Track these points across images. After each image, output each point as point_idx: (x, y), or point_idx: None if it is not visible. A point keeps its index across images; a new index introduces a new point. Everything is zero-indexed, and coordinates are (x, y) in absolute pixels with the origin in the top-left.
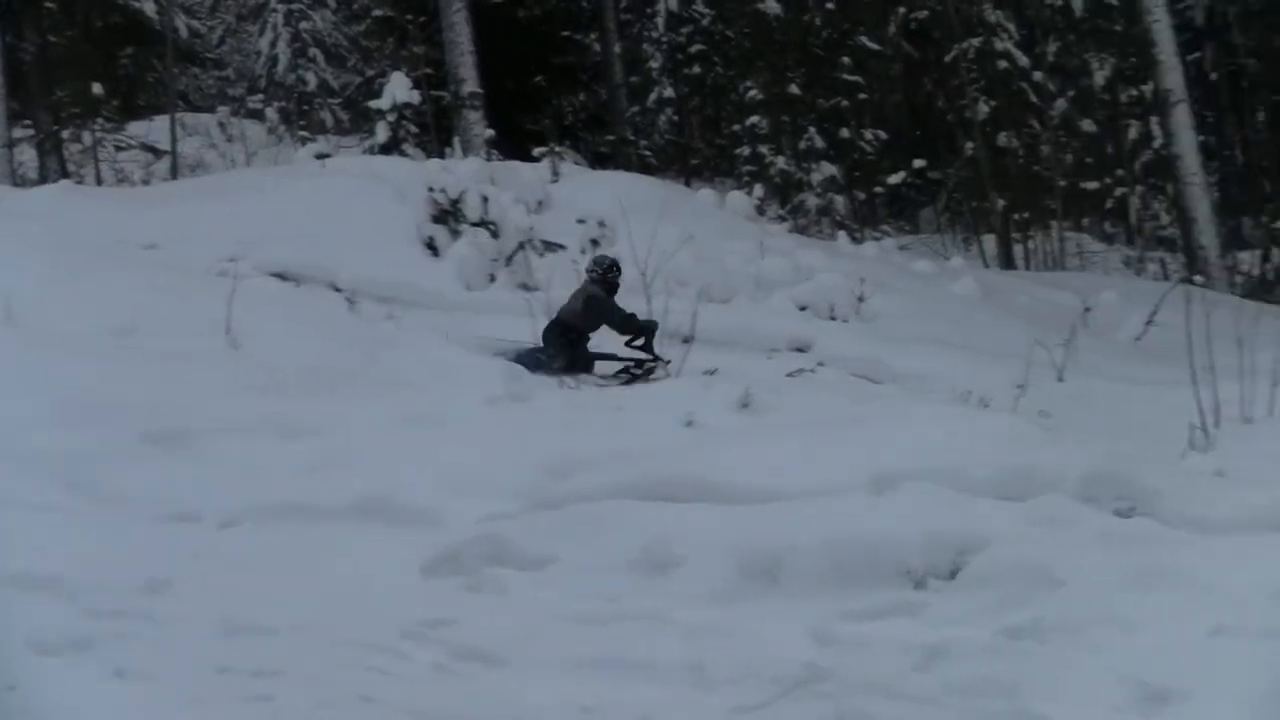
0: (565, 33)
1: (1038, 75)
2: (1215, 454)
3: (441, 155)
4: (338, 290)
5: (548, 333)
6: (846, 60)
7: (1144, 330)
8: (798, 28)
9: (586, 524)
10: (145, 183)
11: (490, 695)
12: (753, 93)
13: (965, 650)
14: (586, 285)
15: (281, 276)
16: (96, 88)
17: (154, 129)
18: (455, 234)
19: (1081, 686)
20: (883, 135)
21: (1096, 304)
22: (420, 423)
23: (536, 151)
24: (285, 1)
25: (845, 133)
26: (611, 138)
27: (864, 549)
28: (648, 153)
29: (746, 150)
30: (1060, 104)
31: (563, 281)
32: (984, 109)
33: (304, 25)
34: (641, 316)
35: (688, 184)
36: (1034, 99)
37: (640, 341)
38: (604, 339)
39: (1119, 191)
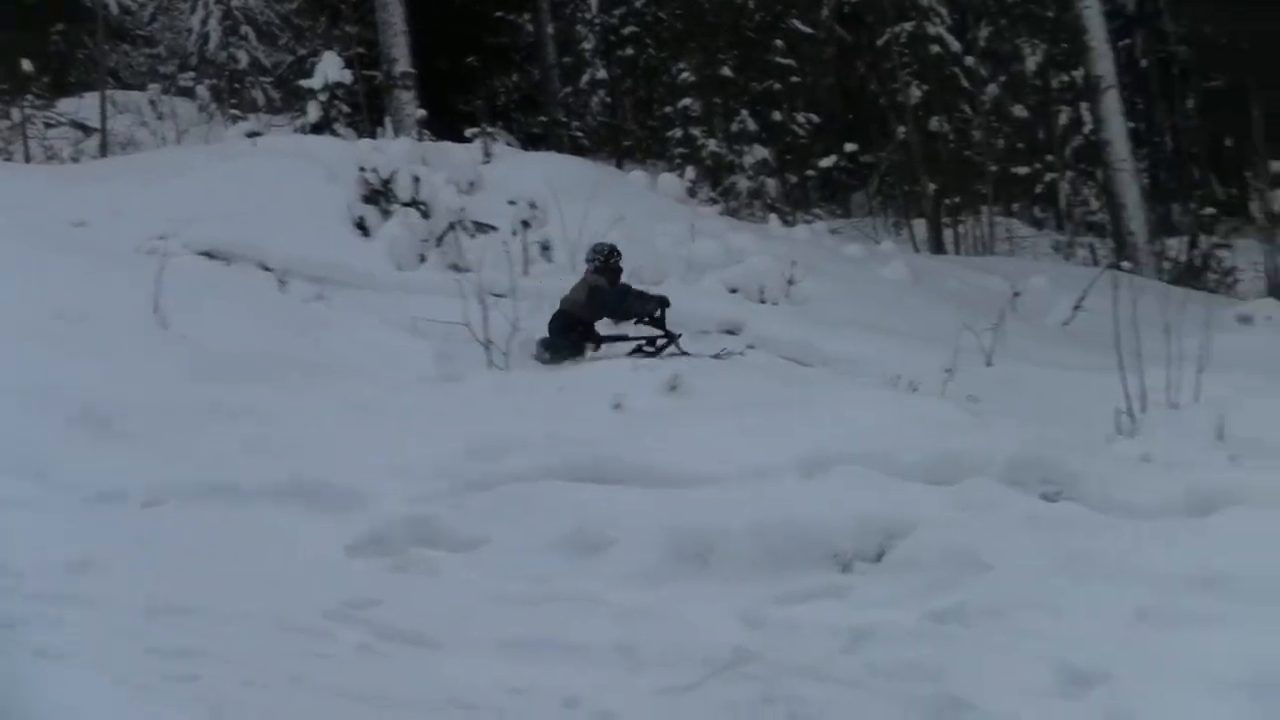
0: (498, 13)
1: (969, 60)
2: (1141, 439)
3: (373, 135)
4: (268, 270)
5: (553, 324)
6: (779, 43)
7: (1072, 315)
8: (730, 10)
9: (517, 505)
10: (74, 160)
11: (418, 676)
12: (685, 75)
13: (891, 633)
14: (589, 276)
15: (211, 255)
16: (26, 64)
17: (84, 106)
18: (386, 214)
19: (1006, 670)
20: (815, 119)
21: (1025, 289)
22: (350, 403)
23: (469, 132)
24: None
25: (777, 116)
26: (544, 119)
27: (793, 532)
28: (580, 134)
29: (678, 132)
30: (991, 89)
31: (494, 263)
32: (916, 93)
33: (235, 3)
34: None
35: (619, 166)
36: (965, 84)
37: (651, 320)
38: None
39: (1049, 177)
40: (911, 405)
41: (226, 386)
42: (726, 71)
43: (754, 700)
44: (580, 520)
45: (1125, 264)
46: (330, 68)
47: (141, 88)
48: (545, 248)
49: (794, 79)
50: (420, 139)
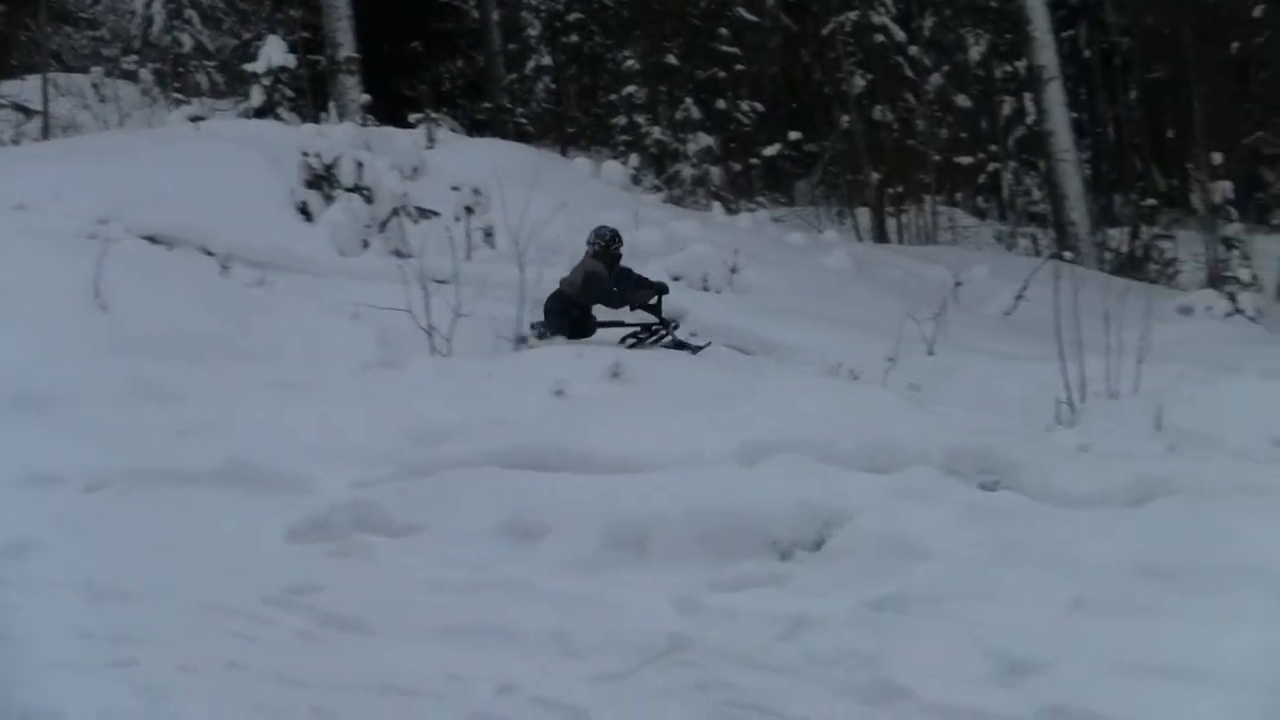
0: None
1: (914, 50)
2: (1080, 429)
3: (317, 120)
4: (210, 254)
5: (548, 304)
6: (724, 31)
7: (1014, 305)
8: None
9: (457, 491)
10: (15, 143)
11: (355, 661)
12: (630, 62)
13: (829, 621)
14: (587, 260)
15: (153, 240)
16: None
17: (26, 89)
18: (329, 199)
19: (943, 658)
20: (759, 107)
21: (968, 278)
22: (291, 388)
23: (412, 118)
24: None
25: (722, 104)
26: (488, 105)
27: (732, 520)
28: (524, 121)
29: (623, 120)
30: (935, 79)
31: (437, 248)
32: (860, 82)
33: None
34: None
35: (564, 153)
36: (910, 73)
37: (654, 301)
38: None
39: (992, 167)
40: (852, 394)
41: (167, 371)
42: (671, 59)
43: (689, 687)
44: (519, 507)
45: (1067, 254)
46: (274, 52)
47: (84, 71)
48: (488, 234)
49: (739, 67)
50: (364, 124)
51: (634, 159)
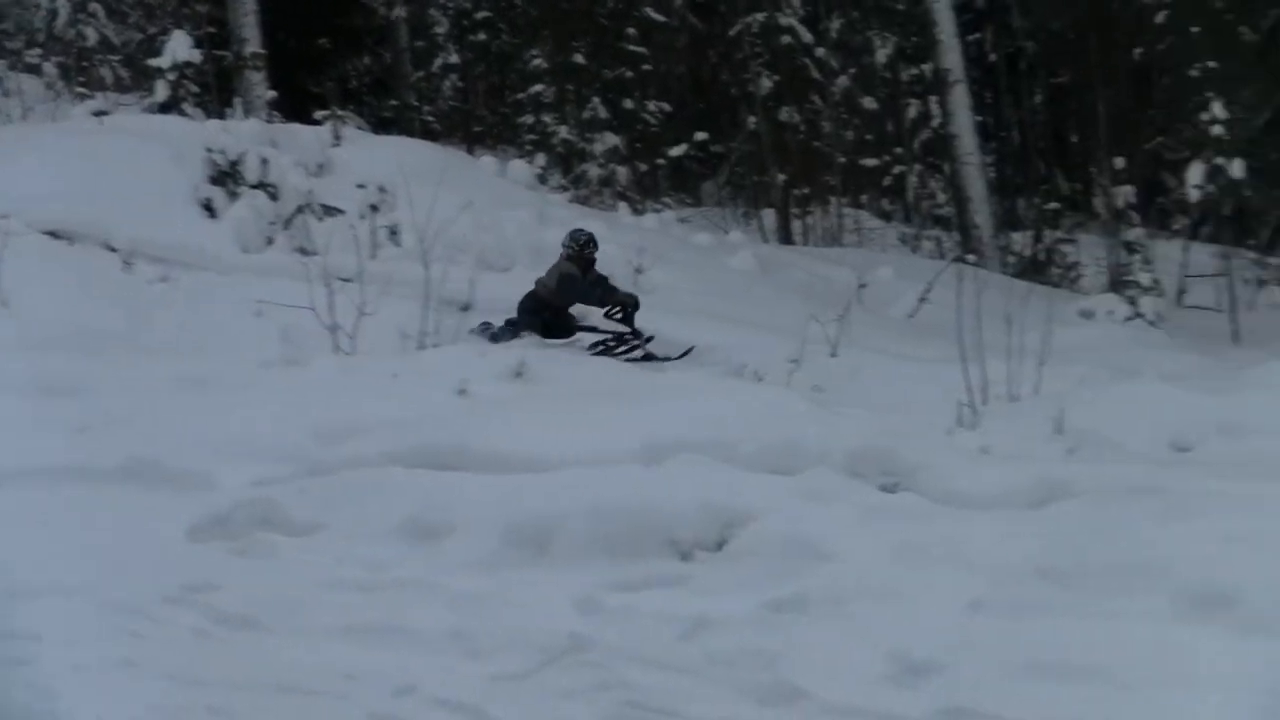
0: None
1: (820, 51)
2: (981, 431)
3: (222, 116)
4: (113, 250)
5: (523, 304)
6: (632, 31)
7: (917, 307)
8: None
9: (357, 490)
10: None
11: (253, 660)
12: (538, 61)
13: (729, 622)
14: (562, 261)
15: (55, 235)
16: None
17: None
18: (233, 196)
19: (842, 659)
20: (666, 107)
21: (872, 280)
22: (193, 385)
23: (318, 115)
24: None
25: (629, 104)
26: (395, 103)
27: (633, 520)
28: (431, 119)
29: (530, 119)
30: (842, 81)
31: (341, 246)
32: (767, 84)
33: None
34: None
35: (470, 151)
36: (816, 75)
37: (620, 314)
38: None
39: (897, 169)
40: (756, 395)
41: (69, 367)
42: (579, 59)
43: (590, 687)
44: (421, 506)
45: (970, 257)
46: (179, 47)
47: None
48: (393, 232)
49: (646, 67)
50: (269, 120)
51: (540, 158)
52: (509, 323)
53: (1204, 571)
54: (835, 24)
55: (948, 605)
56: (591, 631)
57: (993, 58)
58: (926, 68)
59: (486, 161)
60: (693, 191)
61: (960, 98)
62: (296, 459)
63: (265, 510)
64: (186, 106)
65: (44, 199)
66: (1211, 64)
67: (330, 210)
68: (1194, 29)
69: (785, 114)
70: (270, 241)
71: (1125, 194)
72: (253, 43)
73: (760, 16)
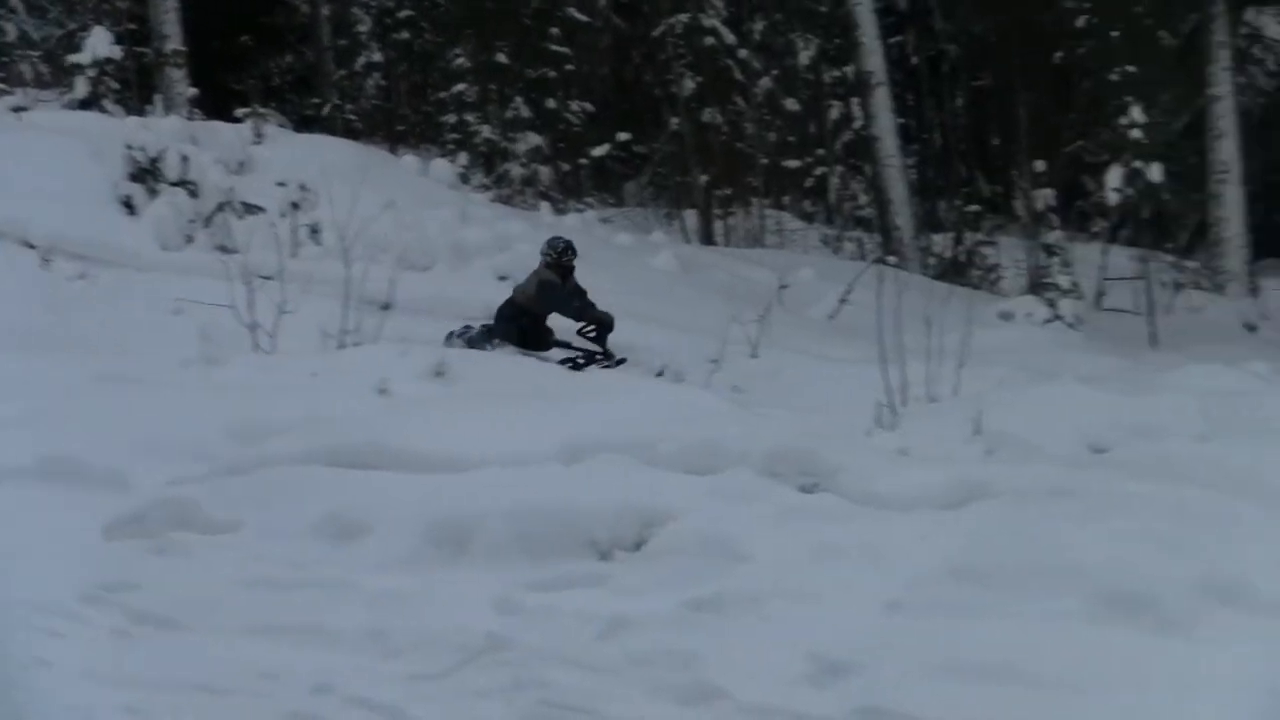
0: None
1: (743, 53)
2: (900, 432)
3: (142, 113)
4: (31, 247)
5: (501, 311)
6: (555, 31)
7: (838, 308)
8: None
9: (275, 489)
10: None
11: (169, 659)
12: (460, 60)
13: (647, 622)
14: (540, 269)
15: None
16: None
17: None
18: (153, 193)
19: (760, 659)
20: (589, 107)
21: (793, 281)
22: (110, 383)
23: (240, 112)
24: None
25: (552, 103)
26: (317, 101)
27: (552, 519)
28: (353, 117)
29: (453, 118)
30: (765, 82)
31: (262, 244)
32: (690, 85)
33: None
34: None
35: (393, 150)
36: (739, 76)
37: (593, 333)
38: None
39: (819, 171)
40: (676, 395)
41: None
42: (502, 58)
43: (507, 686)
44: (339, 505)
45: (891, 258)
46: (100, 43)
47: None
48: (314, 230)
49: (569, 67)
50: (190, 118)
51: (463, 157)
52: (486, 329)
53: (1120, 573)
54: (758, 26)
55: (865, 606)
56: (510, 631)
57: (915, 60)
58: (849, 70)
59: (409, 160)
60: (615, 191)
61: (882, 100)
62: (214, 457)
63: (182, 509)
64: (106, 103)
65: None
66: (1131, 69)
67: (251, 208)
68: (1114, 34)
69: (708, 115)
70: (190, 239)
71: (1045, 197)
72: (174, 40)
73: (683, 18)
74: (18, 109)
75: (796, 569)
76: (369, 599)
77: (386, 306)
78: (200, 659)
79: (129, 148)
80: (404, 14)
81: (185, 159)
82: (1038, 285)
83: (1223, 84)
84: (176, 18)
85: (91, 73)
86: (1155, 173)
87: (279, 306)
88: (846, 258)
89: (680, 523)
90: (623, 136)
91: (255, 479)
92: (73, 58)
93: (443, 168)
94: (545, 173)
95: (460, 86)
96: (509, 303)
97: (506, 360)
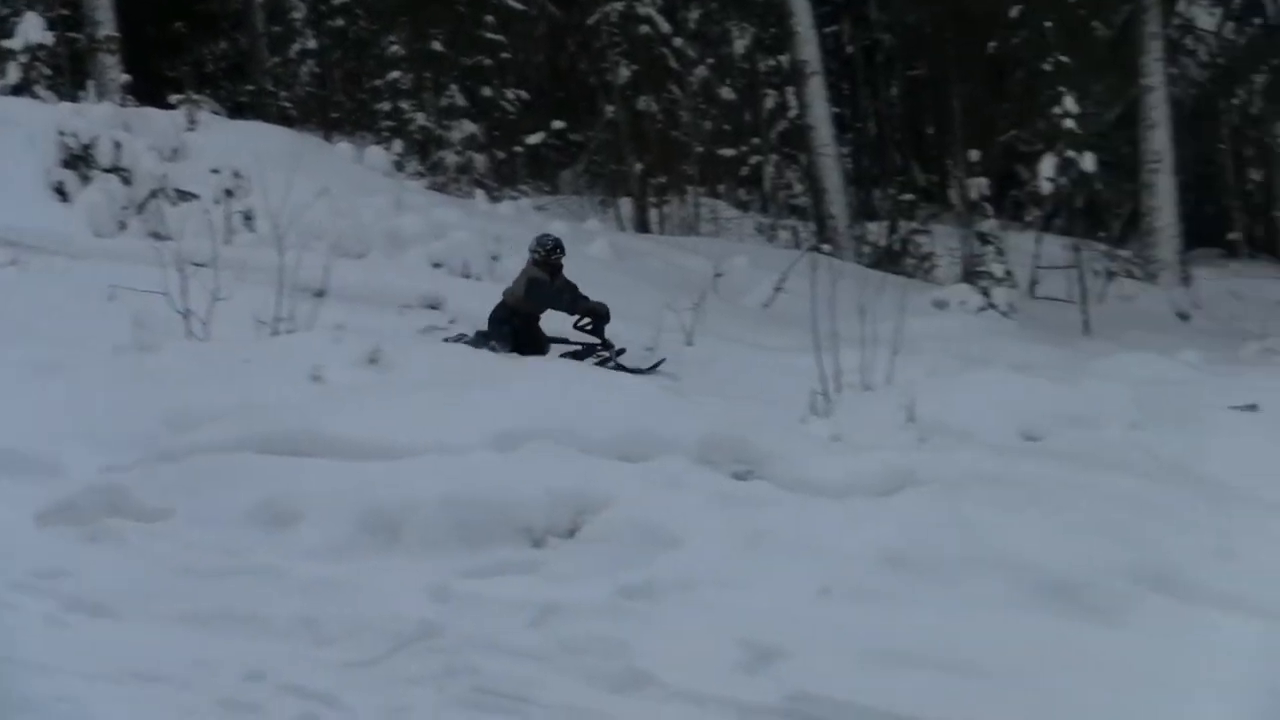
0: None
1: (679, 41)
2: (834, 420)
3: (75, 99)
4: None
5: (494, 314)
6: (490, 19)
7: (773, 297)
8: None
9: (208, 476)
10: None
11: (101, 647)
12: (395, 48)
13: (580, 608)
14: (529, 267)
15: None
16: None
17: None
18: (86, 179)
19: (691, 645)
20: (524, 95)
21: (728, 270)
22: (42, 370)
23: (173, 99)
24: None
25: (487, 91)
26: (251, 88)
27: (485, 507)
28: (288, 104)
29: (387, 105)
30: (700, 71)
31: (195, 231)
32: (625, 73)
33: None
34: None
35: (327, 137)
36: (674, 65)
37: (590, 325)
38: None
39: (754, 159)
40: (609, 383)
41: None
42: (437, 46)
43: (439, 674)
44: (272, 492)
45: (826, 247)
46: (32, 29)
47: None
48: (248, 217)
49: (504, 55)
50: (123, 104)
51: (398, 145)
52: (479, 334)
53: (1051, 561)
54: (693, 14)
55: (797, 592)
56: (443, 618)
57: (850, 50)
58: (784, 59)
59: (343, 148)
60: (550, 179)
61: (817, 89)
62: (147, 444)
63: (115, 496)
64: (39, 89)
65: None
66: (1064, 59)
67: (184, 195)
68: (1048, 24)
69: (643, 103)
70: (123, 226)
71: (979, 186)
72: (107, 26)
73: (618, 6)
74: None
75: (729, 556)
76: (302, 586)
77: (321, 294)
78: (132, 646)
79: (61, 134)
80: (339, 1)
81: (118, 145)
82: (972, 274)
83: (1155, 74)
84: (110, 3)
85: (23, 59)
86: (1088, 162)
87: (213, 293)
88: (781, 246)
89: (613, 510)
90: (558, 124)
91: (188, 466)
92: (4, 43)
93: (377, 155)
94: (480, 160)
95: (395, 74)
96: (500, 306)
97: (441, 347)
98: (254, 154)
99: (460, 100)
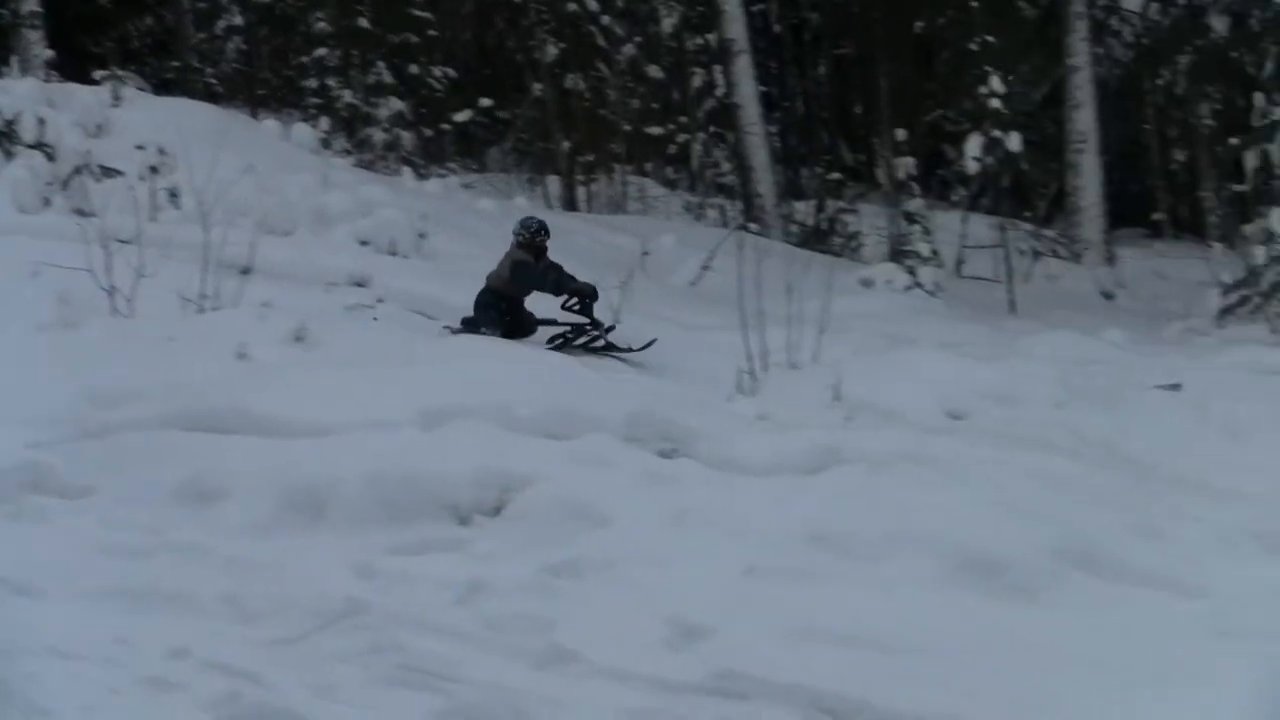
0: None
1: (606, 19)
2: (760, 398)
3: None
4: None
5: (479, 299)
6: None
7: (700, 275)
8: None
9: (132, 454)
10: None
11: (22, 625)
12: (322, 24)
13: (505, 586)
14: (513, 250)
15: None
16: None
17: None
18: (9, 156)
19: (617, 623)
20: (452, 73)
21: (655, 248)
22: None
23: (98, 75)
24: None
25: (414, 69)
26: (177, 64)
27: (411, 484)
28: (214, 81)
29: (314, 83)
30: (628, 49)
31: (120, 208)
32: (552, 51)
33: None
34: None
35: (253, 114)
36: (602, 43)
37: (577, 305)
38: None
39: (682, 138)
40: (535, 361)
41: None
42: (364, 23)
43: (364, 651)
44: (197, 470)
45: (753, 226)
46: None
47: None
48: (173, 195)
49: (432, 32)
50: (47, 80)
51: (324, 122)
52: (465, 321)
53: (974, 539)
54: None
55: (722, 570)
56: (368, 596)
57: (778, 28)
58: (712, 37)
59: (269, 125)
60: (478, 157)
61: (744, 68)
62: (70, 422)
63: (37, 473)
64: None
65: None
66: (991, 39)
67: (109, 172)
68: (974, 4)
69: (571, 81)
70: (47, 202)
71: (906, 165)
72: (30, 1)
73: None
74: None
75: (654, 534)
76: (226, 564)
77: (246, 271)
78: (56, 624)
79: None
80: None
81: (42, 121)
82: (898, 253)
83: (1081, 55)
84: None
85: None
86: (1014, 142)
87: (137, 270)
88: (709, 225)
89: (539, 488)
90: (485, 102)
91: (112, 444)
92: None
93: (304, 132)
94: (408, 138)
95: (322, 51)
96: (485, 290)
97: (366, 325)
98: (179, 131)
99: (387, 77)
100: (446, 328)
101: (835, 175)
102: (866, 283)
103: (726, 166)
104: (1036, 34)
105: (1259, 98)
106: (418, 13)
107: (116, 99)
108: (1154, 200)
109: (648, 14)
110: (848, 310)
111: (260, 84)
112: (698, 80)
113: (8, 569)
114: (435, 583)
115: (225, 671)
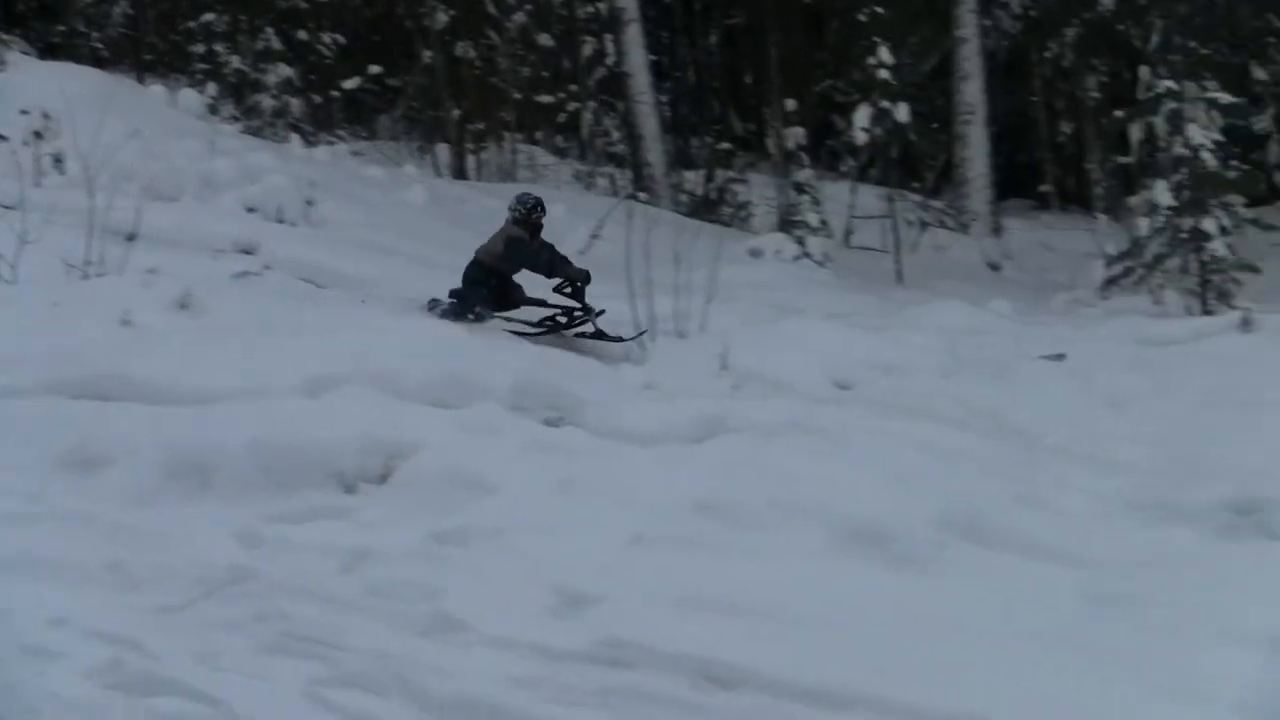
0: None
1: None
2: (647, 367)
3: None
4: None
5: (467, 274)
6: None
7: (589, 244)
8: None
9: (14, 421)
10: None
11: None
12: None
13: (391, 554)
14: (508, 225)
15: None
16: None
17: None
18: None
19: (503, 591)
20: (341, 39)
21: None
22: None
23: None
24: None
25: (303, 35)
26: (62, 28)
27: (295, 452)
28: (100, 45)
29: (201, 48)
30: (518, 17)
31: (4, 172)
32: (442, 18)
33: None
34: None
35: (140, 80)
36: (492, 10)
37: (569, 289)
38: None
39: (572, 106)
40: (422, 329)
41: None
42: None
43: (248, 619)
44: (79, 438)
45: (642, 195)
46: None
47: None
48: (58, 160)
49: None
50: None
51: (212, 88)
52: (453, 293)
53: (860, 508)
54: None
55: (608, 539)
56: (252, 564)
57: None
58: (602, 6)
59: (156, 90)
60: (367, 125)
61: (634, 37)
62: None
63: None
64: None
65: None
66: (880, 10)
67: None
68: None
69: (461, 49)
70: None
71: (796, 135)
72: None
73: None
74: None
75: (541, 502)
76: (109, 532)
77: (132, 238)
78: None
79: None
80: None
81: None
82: (787, 223)
83: (969, 26)
84: None
85: None
86: (903, 113)
87: (20, 236)
88: (599, 194)
89: (426, 456)
90: (375, 69)
91: None
92: None
93: (191, 98)
94: (296, 105)
95: (209, 16)
96: (474, 264)
97: (253, 292)
98: (65, 95)
99: (276, 43)
100: (434, 301)
101: (725, 145)
102: (755, 252)
103: (616, 135)
104: (925, 5)
105: (1144, 71)
106: None
107: (1, 63)
108: (1041, 172)
109: None
110: (736, 280)
111: (147, 49)
112: (588, 49)
113: None
114: (321, 550)
115: (108, 639)
